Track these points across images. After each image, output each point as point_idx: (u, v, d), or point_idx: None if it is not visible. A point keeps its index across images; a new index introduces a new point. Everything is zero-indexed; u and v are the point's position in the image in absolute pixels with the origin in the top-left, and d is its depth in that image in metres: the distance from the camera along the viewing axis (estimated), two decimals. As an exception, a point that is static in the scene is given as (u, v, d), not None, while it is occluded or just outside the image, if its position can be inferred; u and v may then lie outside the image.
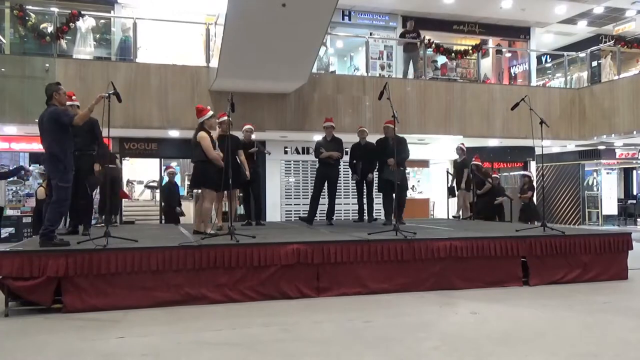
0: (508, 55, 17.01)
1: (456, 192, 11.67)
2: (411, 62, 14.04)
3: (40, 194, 9.29)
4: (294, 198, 14.59)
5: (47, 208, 6.00)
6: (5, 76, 10.62)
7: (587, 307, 5.76)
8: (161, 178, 13.99)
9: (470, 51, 14.07)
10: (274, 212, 14.22)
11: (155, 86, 11.30)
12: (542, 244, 6.87)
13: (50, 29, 11.11)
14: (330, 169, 8.96)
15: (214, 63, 10.87)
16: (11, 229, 12.47)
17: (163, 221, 12.73)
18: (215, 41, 11.27)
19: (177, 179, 13.88)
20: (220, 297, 5.83)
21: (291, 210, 14.44)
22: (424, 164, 16.58)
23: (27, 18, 10.97)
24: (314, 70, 11.85)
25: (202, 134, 6.81)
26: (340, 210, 13.53)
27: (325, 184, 9.02)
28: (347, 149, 9.35)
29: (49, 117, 5.74)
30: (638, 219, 18.64)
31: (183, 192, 14.58)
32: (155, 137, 13.49)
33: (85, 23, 11.63)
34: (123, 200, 12.96)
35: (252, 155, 8.75)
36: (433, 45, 13.74)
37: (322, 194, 9.13)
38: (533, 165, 16.93)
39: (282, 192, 14.55)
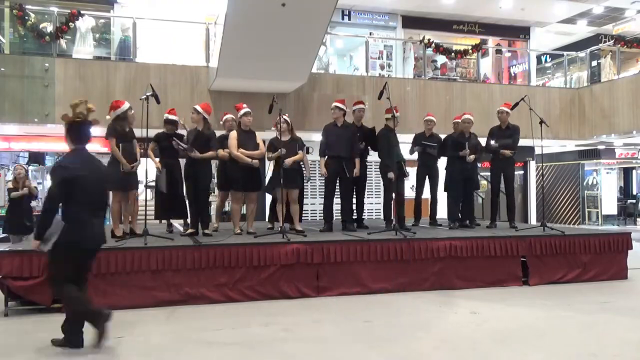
0: (508, 55, 16.99)
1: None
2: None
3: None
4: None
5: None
6: (4, 76, 10.59)
7: (587, 307, 5.76)
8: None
9: (470, 51, 14.07)
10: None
11: (154, 86, 11.16)
12: (541, 243, 6.89)
13: (49, 28, 11.07)
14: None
15: (214, 63, 10.84)
16: (10, 229, 12.43)
17: None
18: (215, 41, 11.25)
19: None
20: (220, 296, 5.83)
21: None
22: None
23: (26, 18, 10.93)
24: (314, 70, 11.82)
25: (232, 132, 7.09)
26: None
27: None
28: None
29: None
30: (638, 219, 18.65)
31: None
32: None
33: (85, 23, 11.58)
34: None
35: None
36: (433, 45, 13.74)
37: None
38: (533, 164, 16.92)
39: (282, 192, 14.47)
